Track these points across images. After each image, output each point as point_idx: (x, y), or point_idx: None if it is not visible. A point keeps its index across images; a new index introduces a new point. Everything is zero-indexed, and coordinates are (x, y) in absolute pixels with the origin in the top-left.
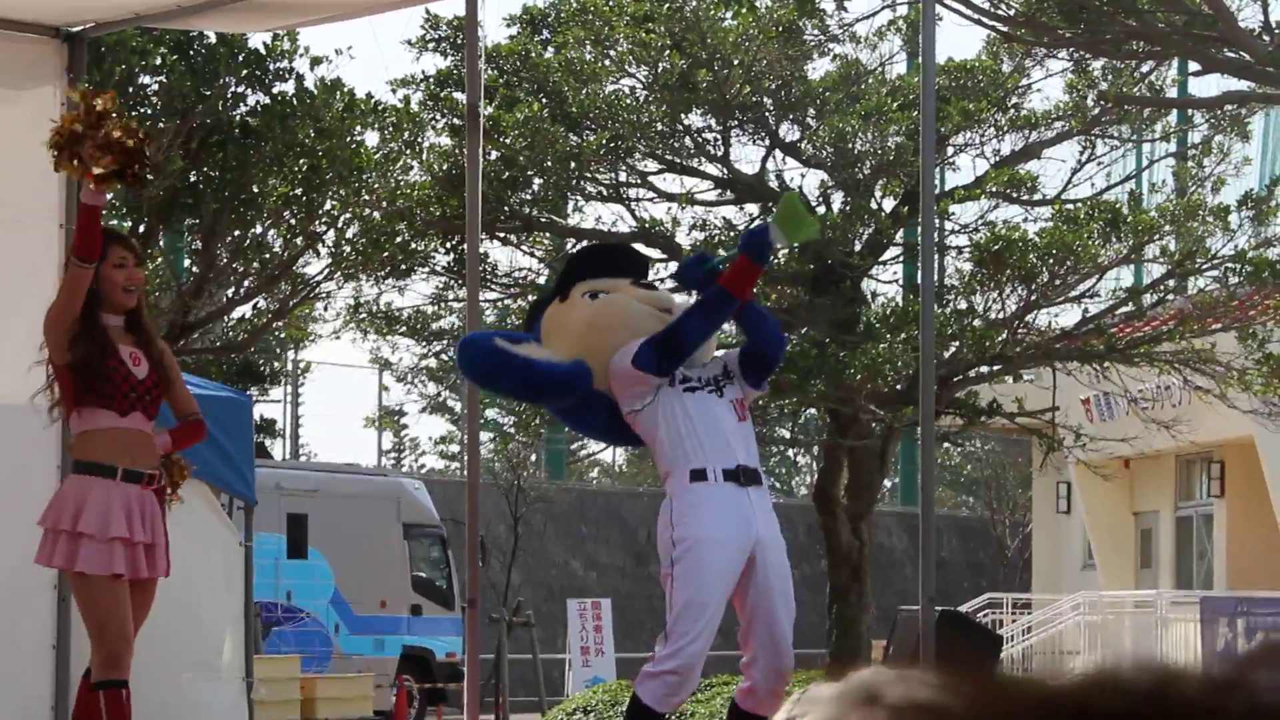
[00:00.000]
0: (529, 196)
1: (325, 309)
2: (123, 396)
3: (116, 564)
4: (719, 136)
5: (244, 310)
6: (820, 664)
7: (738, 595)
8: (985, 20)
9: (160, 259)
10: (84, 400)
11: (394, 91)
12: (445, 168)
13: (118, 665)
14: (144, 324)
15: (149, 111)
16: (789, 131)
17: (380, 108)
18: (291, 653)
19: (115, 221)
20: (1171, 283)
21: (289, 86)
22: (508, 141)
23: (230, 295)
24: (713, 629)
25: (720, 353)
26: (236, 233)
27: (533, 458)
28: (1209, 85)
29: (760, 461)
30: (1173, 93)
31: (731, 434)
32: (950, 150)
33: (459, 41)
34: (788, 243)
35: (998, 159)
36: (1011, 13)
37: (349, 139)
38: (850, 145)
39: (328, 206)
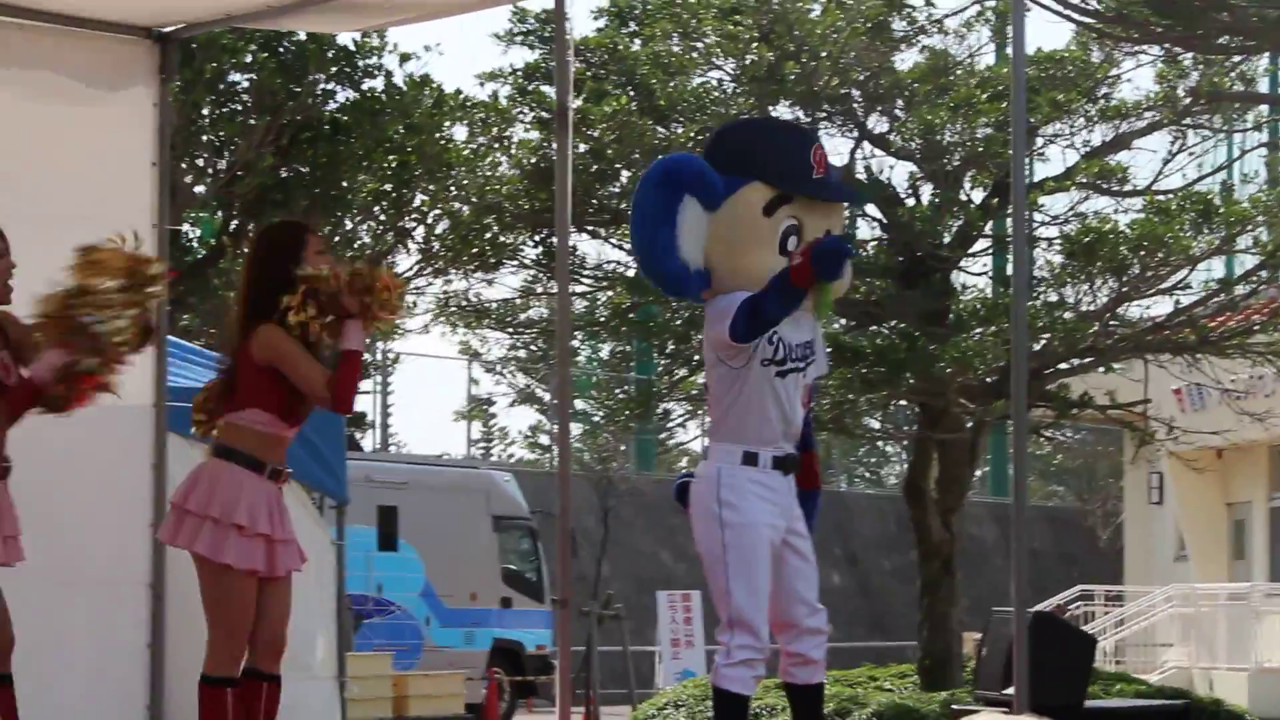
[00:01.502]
0: (617, 189)
1: (415, 304)
2: (299, 415)
3: (257, 559)
4: (809, 128)
5: None
6: (912, 657)
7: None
8: (1074, 16)
9: None
10: (266, 405)
11: (481, 85)
12: (534, 161)
13: (241, 661)
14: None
15: (239, 109)
16: (877, 123)
17: (469, 103)
18: (383, 645)
19: (206, 214)
20: (1264, 274)
21: (378, 83)
22: (595, 134)
23: None
24: (766, 614)
25: (809, 320)
26: (327, 228)
27: (622, 448)
28: None
29: (849, 452)
30: (1264, 84)
31: (796, 421)
32: (1039, 141)
33: (546, 34)
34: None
35: (1088, 150)
36: (1101, 7)
37: (438, 134)
38: (939, 137)
39: (417, 202)
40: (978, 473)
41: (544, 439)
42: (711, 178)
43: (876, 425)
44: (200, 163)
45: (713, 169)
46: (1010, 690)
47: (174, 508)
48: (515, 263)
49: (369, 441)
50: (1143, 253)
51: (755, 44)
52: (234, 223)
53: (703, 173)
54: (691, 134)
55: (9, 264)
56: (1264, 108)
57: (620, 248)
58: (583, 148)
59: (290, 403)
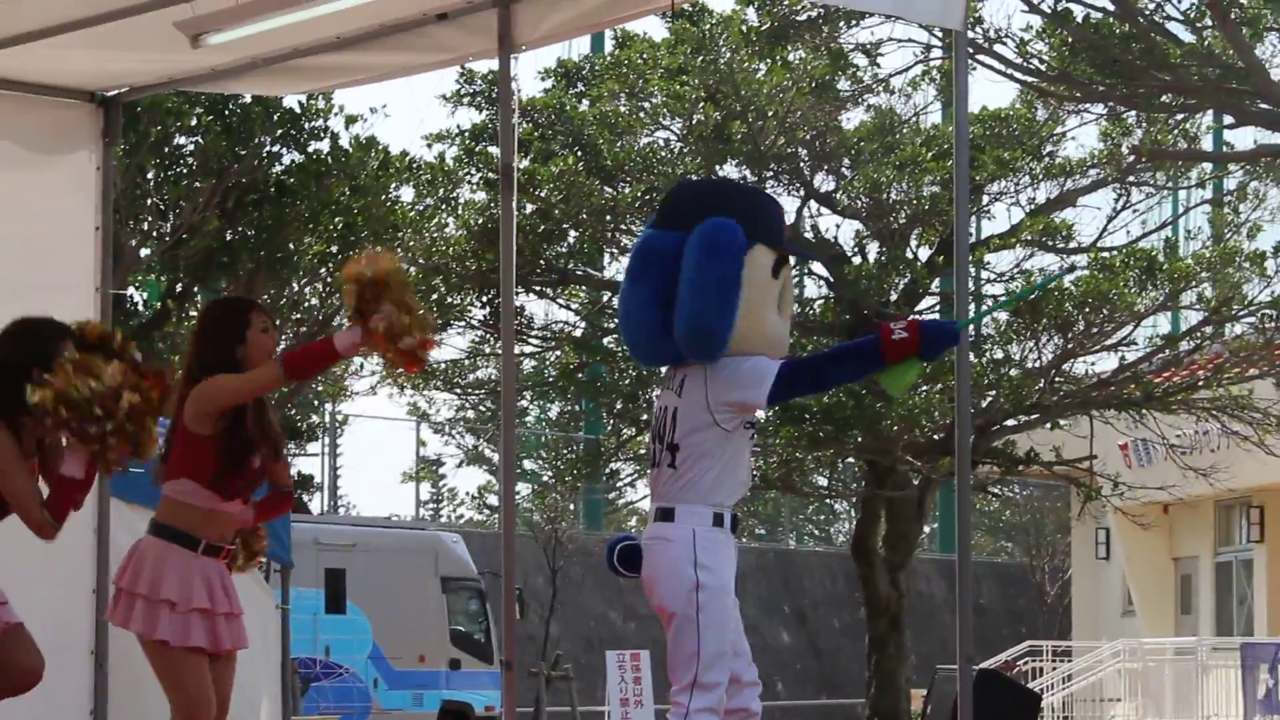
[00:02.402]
0: (564, 250)
1: (362, 365)
2: (244, 489)
3: (195, 636)
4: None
5: None
6: (860, 714)
7: None
8: (1017, 75)
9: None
10: (198, 477)
11: (429, 146)
12: (480, 222)
13: None
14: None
15: (184, 171)
16: (824, 182)
17: (415, 164)
18: (330, 708)
19: (151, 277)
20: (1208, 329)
21: (324, 145)
22: (543, 195)
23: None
24: (728, 674)
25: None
26: (273, 290)
27: (570, 508)
28: (1245, 133)
29: (798, 510)
30: (1208, 140)
31: (749, 478)
32: (985, 199)
33: (493, 95)
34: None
35: (1033, 207)
36: (1044, 66)
37: (384, 196)
38: (885, 195)
39: None
40: (926, 529)
41: (492, 499)
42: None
43: (824, 483)
44: (145, 226)
45: None
46: None
47: (114, 587)
48: (463, 323)
49: (317, 503)
50: (1087, 309)
51: (702, 104)
52: (179, 285)
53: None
54: (639, 193)
55: None
56: (1207, 165)
57: (567, 308)
58: (530, 208)
59: (223, 474)
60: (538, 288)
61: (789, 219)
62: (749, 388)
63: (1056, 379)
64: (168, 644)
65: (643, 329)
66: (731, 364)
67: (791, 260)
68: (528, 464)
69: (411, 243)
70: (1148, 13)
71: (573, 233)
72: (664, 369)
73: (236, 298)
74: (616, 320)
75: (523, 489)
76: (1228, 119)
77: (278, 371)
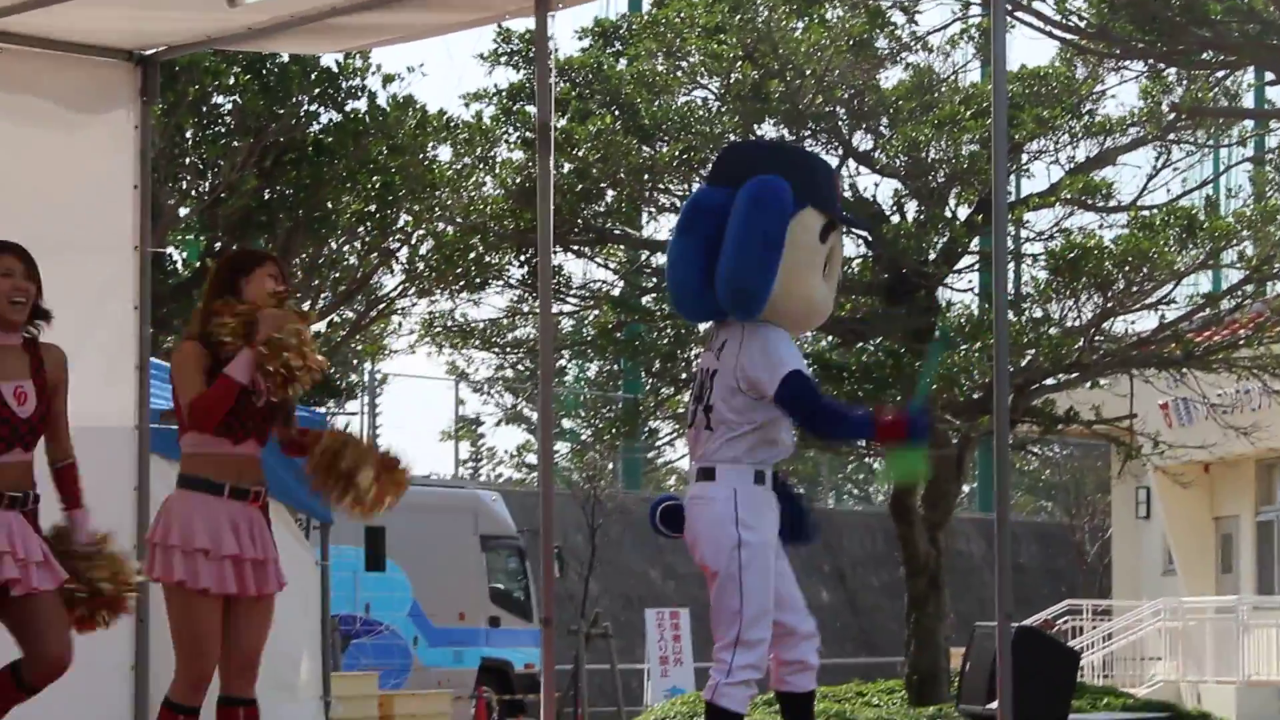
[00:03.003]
0: (602, 209)
1: (400, 324)
2: (240, 425)
3: (228, 582)
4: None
5: (320, 326)
6: (899, 672)
7: None
8: (1056, 32)
9: None
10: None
11: (466, 106)
12: (518, 181)
13: (205, 690)
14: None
15: (222, 131)
16: (862, 141)
17: (452, 123)
18: (370, 665)
19: (190, 237)
20: (1249, 288)
21: (361, 104)
22: (580, 154)
23: (306, 311)
24: (770, 632)
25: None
26: (311, 249)
27: (609, 467)
28: None
29: (837, 469)
30: (1249, 98)
31: (791, 438)
32: (1024, 157)
33: (531, 55)
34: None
35: (1072, 166)
36: (1083, 24)
37: (421, 155)
38: (924, 154)
39: (401, 223)
40: (965, 489)
41: (531, 458)
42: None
43: (863, 442)
44: (183, 185)
45: None
46: (994, 705)
47: (147, 544)
48: (501, 283)
49: None
50: (1127, 268)
51: (740, 62)
52: (218, 245)
53: (791, 198)
54: (676, 153)
55: (22, 285)
56: (1249, 122)
57: (605, 267)
58: (567, 167)
59: (228, 419)
60: (575, 247)
61: None
62: (763, 367)
63: (1096, 338)
64: (194, 590)
65: (687, 283)
66: (762, 335)
67: (841, 227)
68: (566, 423)
69: (449, 202)
70: None
71: (610, 192)
72: (705, 328)
73: (248, 249)
74: (655, 279)
75: (561, 448)
76: (1269, 75)
77: (186, 415)
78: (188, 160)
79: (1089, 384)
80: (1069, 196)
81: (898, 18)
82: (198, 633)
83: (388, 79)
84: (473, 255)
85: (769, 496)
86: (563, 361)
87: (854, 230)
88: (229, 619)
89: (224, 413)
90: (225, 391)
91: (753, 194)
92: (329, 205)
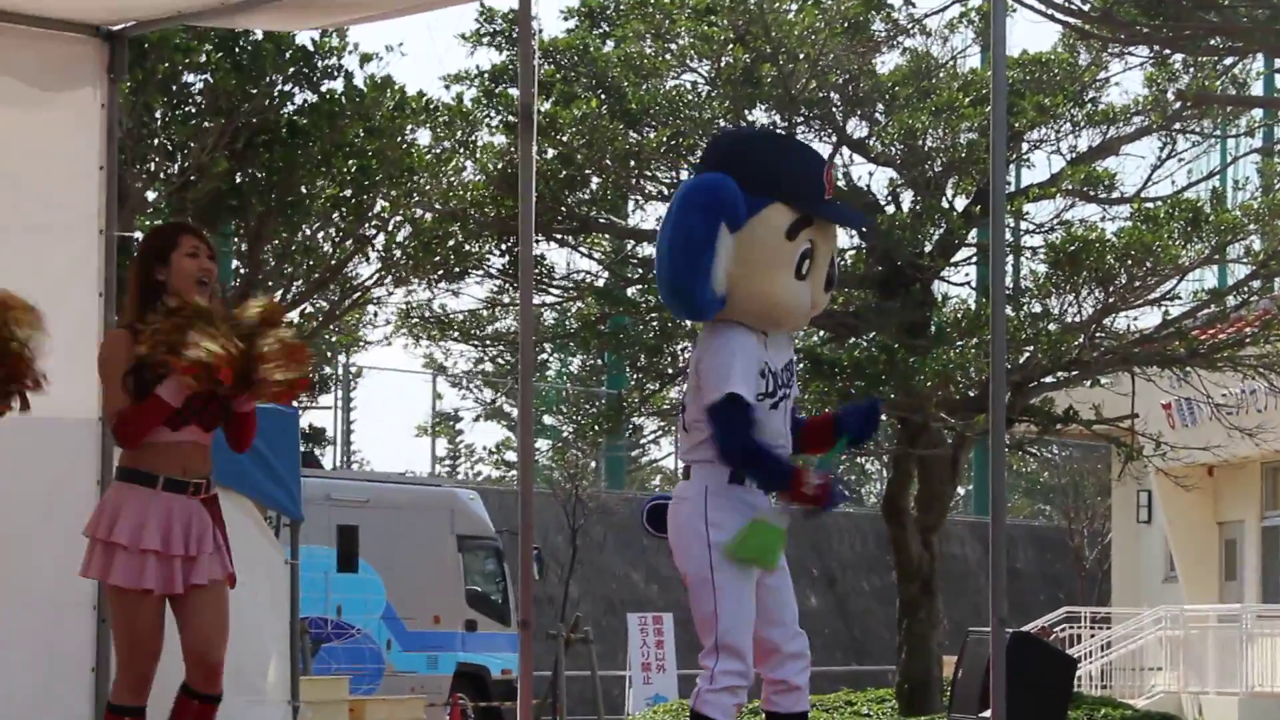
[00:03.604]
0: (587, 196)
1: (376, 314)
2: (182, 418)
3: (147, 578)
4: (784, 133)
5: (292, 315)
6: (890, 681)
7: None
8: (1058, 16)
9: None
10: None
11: (447, 88)
12: (500, 167)
13: (146, 690)
14: None
15: (193, 111)
16: (857, 128)
17: (432, 106)
18: (342, 670)
19: (158, 222)
20: (1256, 284)
21: (338, 85)
22: (565, 139)
23: (278, 299)
24: (750, 639)
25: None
26: (284, 235)
27: (592, 465)
28: None
29: (830, 468)
30: (1258, 87)
31: (785, 436)
32: (1025, 147)
33: (514, 35)
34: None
35: (1074, 155)
36: (1086, 7)
37: (399, 138)
38: (920, 142)
39: (378, 208)
40: (960, 491)
41: (511, 455)
42: (739, 197)
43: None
44: (152, 167)
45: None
46: (987, 714)
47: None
48: (480, 272)
49: (329, 459)
50: (1130, 262)
51: (731, 45)
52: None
53: (736, 195)
54: (664, 139)
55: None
56: (1257, 112)
57: (589, 256)
58: (551, 153)
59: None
60: (559, 236)
61: None
62: (708, 377)
63: (1097, 334)
64: (120, 589)
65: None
66: (712, 344)
67: (818, 223)
68: (548, 419)
69: (428, 187)
70: None
71: (595, 179)
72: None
73: (171, 222)
74: (641, 270)
75: (542, 445)
76: (1278, 63)
77: (110, 424)
78: (156, 141)
79: (1089, 382)
80: (1070, 187)
81: (894, 0)
82: (131, 631)
83: (365, 59)
84: (452, 243)
85: (752, 497)
86: (544, 355)
87: (844, 226)
88: (177, 617)
89: (149, 431)
90: (154, 414)
91: (682, 193)
92: (303, 189)
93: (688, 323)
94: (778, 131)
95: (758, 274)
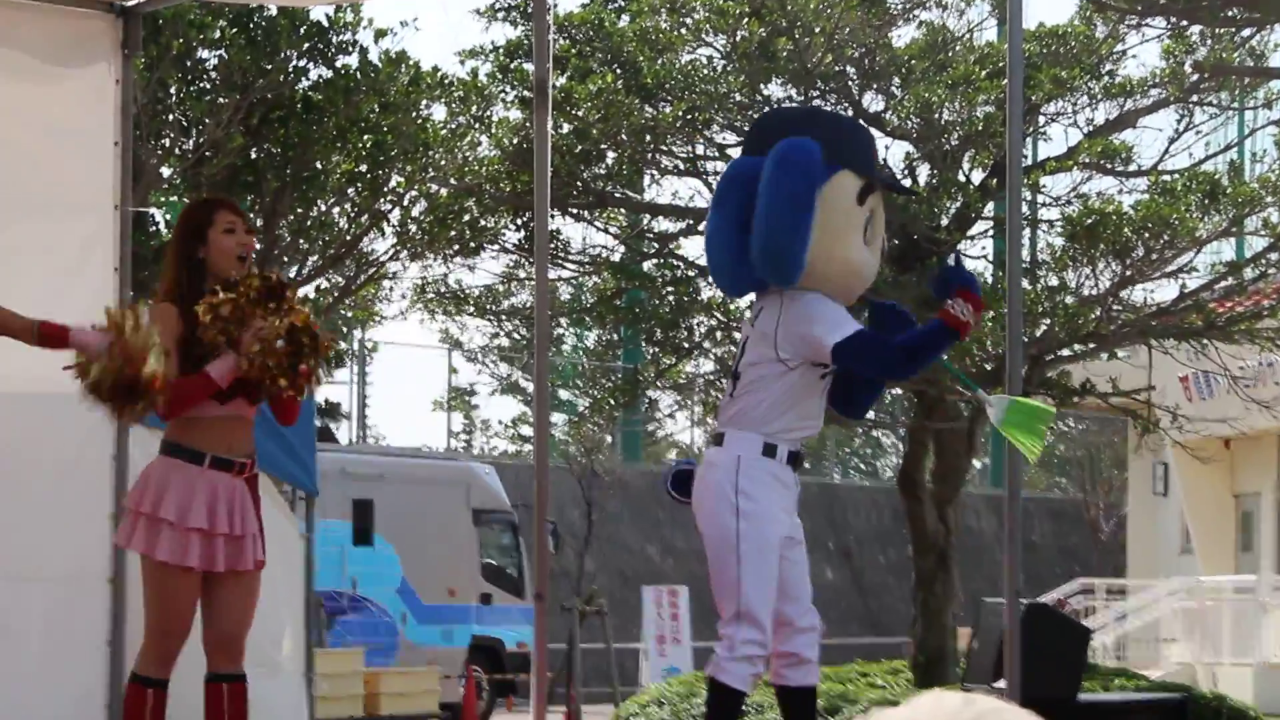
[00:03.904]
0: (602, 171)
1: (391, 289)
2: (229, 393)
3: (191, 555)
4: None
5: (307, 290)
6: (905, 653)
7: None
8: None
9: None
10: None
11: (462, 63)
12: (515, 142)
13: (172, 664)
14: None
15: (207, 86)
16: (873, 102)
17: (447, 81)
18: (357, 643)
19: (173, 198)
20: (1274, 256)
21: (352, 60)
22: (580, 114)
23: (293, 275)
24: (772, 609)
25: None
26: (299, 211)
27: (607, 440)
28: None
29: (844, 443)
30: (1276, 59)
31: (818, 418)
32: (1041, 120)
33: (529, 10)
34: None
35: (1091, 129)
36: None
37: (415, 114)
38: (937, 115)
39: (393, 183)
40: (976, 464)
41: (526, 430)
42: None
43: (871, 415)
44: (166, 143)
45: None
46: (1001, 683)
47: (125, 509)
48: (496, 247)
49: (345, 433)
50: (1147, 235)
51: (746, 19)
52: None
53: (821, 159)
54: (679, 113)
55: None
56: (1275, 84)
57: (605, 231)
58: (566, 128)
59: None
60: (574, 210)
61: None
62: (813, 323)
63: (1114, 307)
64: (165, 564)
65: (722, 254)
66: (810, 299)
67: (879, 190)
68: (563, 394)
69: (443, 162)
70: None
71: (611, 153)
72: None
73: (207, 197)
74: (657, 244)
75: (558, 419)
76: None
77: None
78: (171, 117)
79: (1106, 355)
80: (1087, 160)
81: None
82: (166, 606)
83: (380, 34)
84: (467, 218)
85: (780, 471)
86: (560, 330)
87: (898, 193)
88: (207, 595)
89: (192, 406)
90: (201, 389)
91: (778, 155)
92: (318, 165)
93: (704, 296)
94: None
95: (836, 239)
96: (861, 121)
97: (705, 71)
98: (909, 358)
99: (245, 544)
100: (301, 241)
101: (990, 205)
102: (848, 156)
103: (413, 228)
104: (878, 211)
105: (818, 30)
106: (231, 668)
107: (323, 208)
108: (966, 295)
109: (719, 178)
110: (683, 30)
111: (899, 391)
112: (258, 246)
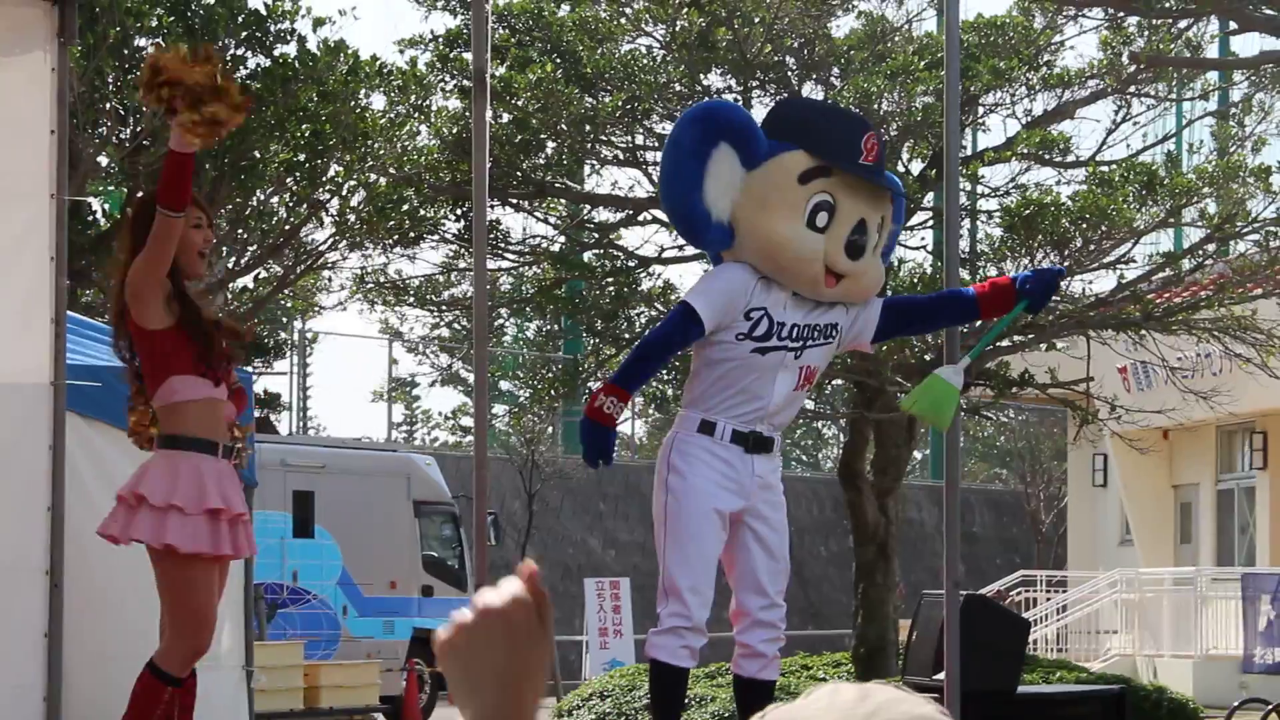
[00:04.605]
0: (542, 161)
1: (331, 279)
2: (216, 365)
3: (222, 543)
4: (739, 97)
5: (246, 280)
6: (847, 645)
7: (726, 559)
8: None
9: None
10: (181, 368)
11: (401, 52)
12: (455, 131)
13: (195, 662)
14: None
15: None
16: (812, 91)
17: (386, 70)
18: (298, 635)
19: (110, 187)
20: (1211, 247)
21: (291, 49)
22: (520, 104)
23: (232, 265)
24: (708, 584)
25: (840, 308)
26: (238, 200)
27: (549, 431)
28: (1251, 42)
29: (785, 434)
30: (1213, 49)
31: (774, 401)
32: (980, 110)
33: (468, 0)
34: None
35: (1029, 119)
36: None
37: (353, 103)
38: (876, 106)
39: (332, 173)
40: (918, 455)
41: (467, 421)
42: (754, 134)
43: (811, 405)
44: (103, 131)
45: (762, 132)
46: (940, 676)
47: (130, 503)
48: (436, 237)
49: (285, 424)
50: (1085, 226)
51: (685, 9)
52: (139, 194)
53: (745, 126)
54: (619, 103)
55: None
56: (1212, 75)
57: (545, 221)
58: (506, 117)
59: (203, 353)
60: (514, 200)
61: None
62: (692, 291)
63: (1053, 297)
64: (192, 554)
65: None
66: (712, 271)
67: (837, 176)
68: (504, 384)
69: (382, 152)
70: None
71: (550, 143)
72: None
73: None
74: (597, 235)
75: (499, 410)
76: (1232, 25)
77: (165, 214)
78: (108, 106)
79: (1045, 346)
80: (1025, 151)
81: None
82: (199, 599)
83: (318, 22)
84: (406, 208)
85: (720, 448)
86: (500, 320)
87: (872, 182)
88: None
89: (188, 185)
90: (179, 166)
91: (683, 115)
92: (256, 154)
93: (644, 286)
94: (819, 101)
95: (762, 212)
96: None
97: (645, 61)
98: (634, 352)
99: (247, 529)
100: (240, 231)
101: (929, 196)
102: (813, 140)
103: (352, 217)
104: (843, 200)
105: (757, 20)
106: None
107: (261, 197)
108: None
109: None
110: (622, 20)
111: (839, 382)
112: None
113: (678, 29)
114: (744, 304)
